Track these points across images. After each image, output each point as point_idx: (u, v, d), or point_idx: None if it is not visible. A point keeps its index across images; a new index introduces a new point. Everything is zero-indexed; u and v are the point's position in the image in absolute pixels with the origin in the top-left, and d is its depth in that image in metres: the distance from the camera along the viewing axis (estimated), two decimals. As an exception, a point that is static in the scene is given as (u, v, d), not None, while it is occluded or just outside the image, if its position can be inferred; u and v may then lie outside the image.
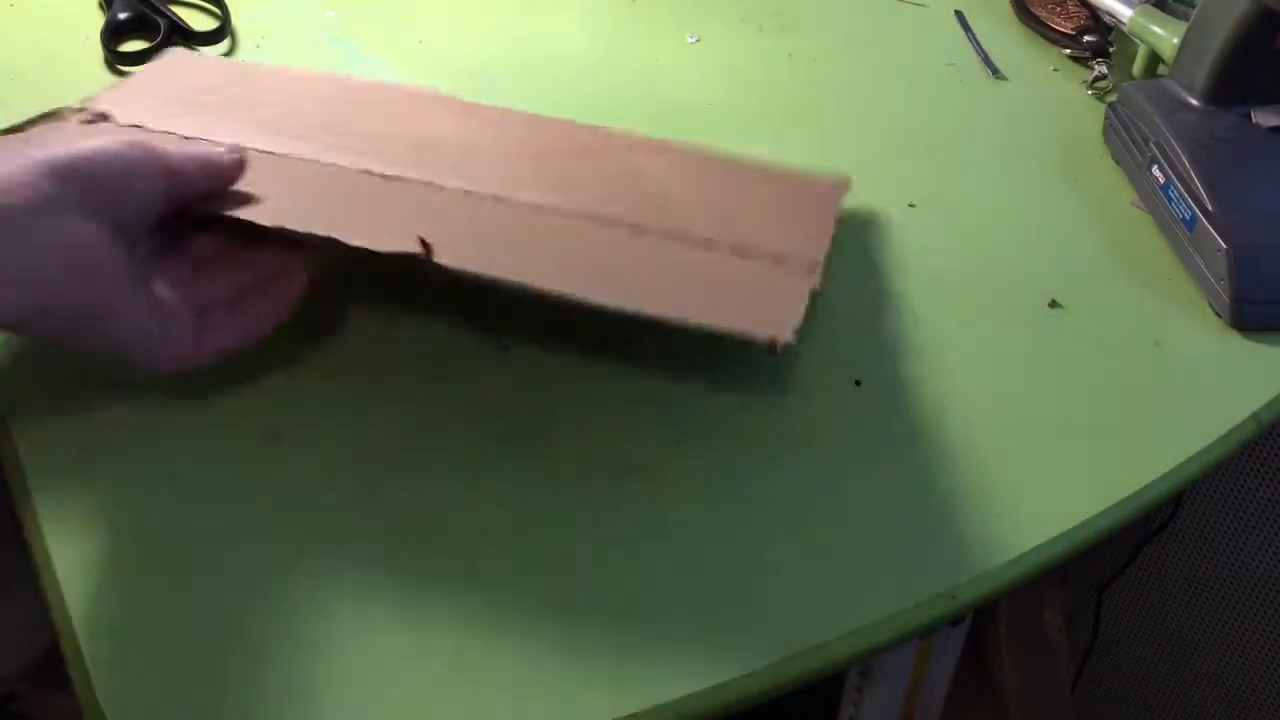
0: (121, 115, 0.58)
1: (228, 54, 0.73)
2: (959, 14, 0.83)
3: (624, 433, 0.51)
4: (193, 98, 0.60)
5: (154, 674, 0.41)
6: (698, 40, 0.78)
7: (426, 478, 0.48)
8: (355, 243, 0.48)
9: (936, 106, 0.74)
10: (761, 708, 0.43)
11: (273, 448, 0.49)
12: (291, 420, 0.50)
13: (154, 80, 0.62)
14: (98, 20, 0.74)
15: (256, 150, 0.55)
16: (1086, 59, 0.78)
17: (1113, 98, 0.74)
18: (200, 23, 0.74)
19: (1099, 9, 0.79)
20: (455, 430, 0.50)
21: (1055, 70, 0.78)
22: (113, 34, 0.72)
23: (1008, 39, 0.81)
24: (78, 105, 0.58)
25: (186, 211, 0.49)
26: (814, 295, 0.51)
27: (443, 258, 0.48)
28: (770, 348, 0.47)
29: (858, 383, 0.54)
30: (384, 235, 0.49)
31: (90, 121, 0.57)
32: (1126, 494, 0.50)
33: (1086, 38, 0.78)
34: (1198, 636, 1.05)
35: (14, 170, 0.41)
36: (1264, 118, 0.64)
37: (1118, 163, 0.69)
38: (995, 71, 0.77)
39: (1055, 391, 0.55)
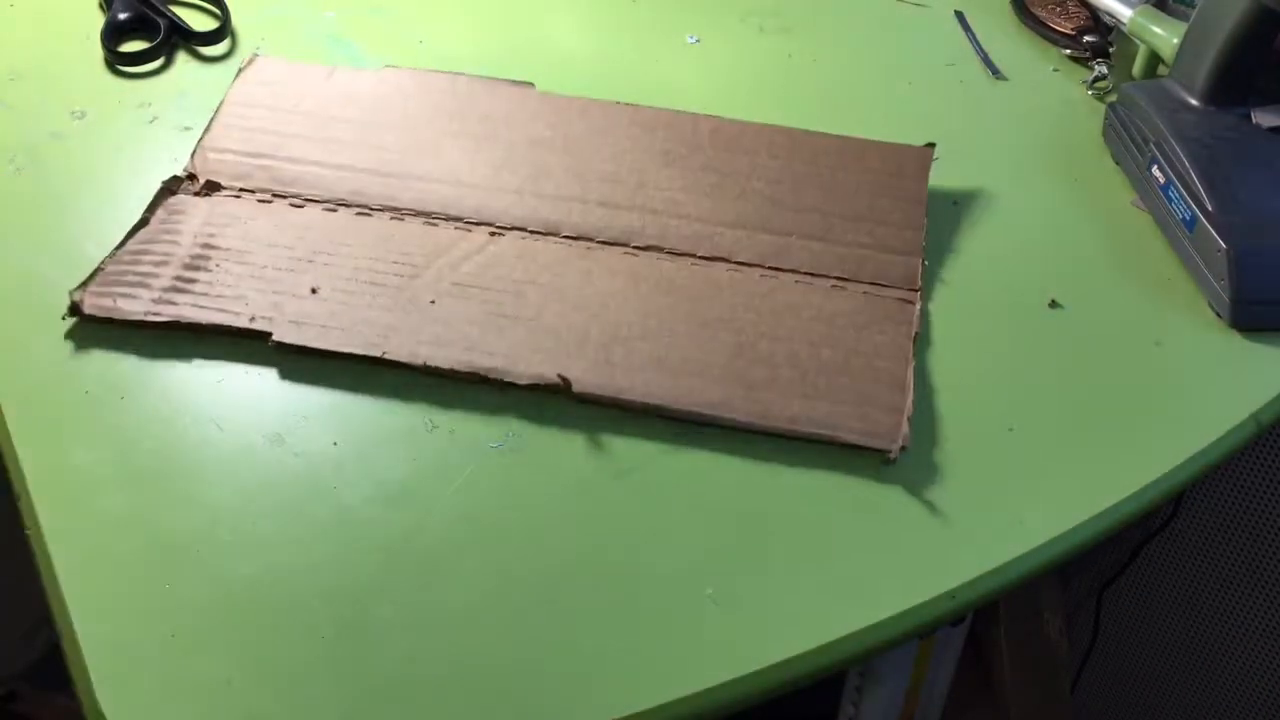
0: (226, 174, 0.61)
1: (228, 54, 0.73)
2: (959, 14, 0.83)
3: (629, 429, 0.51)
4: (287, 127, 0.64)
5: (154, 674, 0.41)
6: (698, 40, 0.78)
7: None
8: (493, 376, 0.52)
9: (936, 107, 0.74)
10: (762, 708, 0.43)
11: (277, 448, 0.49)
12: (291, 422, 0.50)
13: (244, 112, 0.65)
14: (98, 20, 0.74)
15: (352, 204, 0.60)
16: (1086, 59, 0.78)
17: (1113, 98, 0.74)
18: (200, 23, 0.74)
19: (1099, 9, 0.79)
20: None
21: (1055, 70, 0.78)
22: (113, 34, 0.72)
23: (1008, 39, 0.81)
24: (184, 173, 0.61)
25: None
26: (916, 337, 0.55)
27: (577, 385, 0.51)
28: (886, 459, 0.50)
29: (858, 383, 0.54)
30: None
31: (202, 194, 0.60)
32: (1126, 494, 0.50)
33: (1086, 38, 0.78)
34: (1198, 636, 1.05)
35: None
36: (1264, 118, 0.64)
37: (1118, 163, 0.69)
38: (995, 72, 0.77)
39: (1055, 391, 0.55)
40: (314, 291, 0.55)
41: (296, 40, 0.75)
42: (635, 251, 0.58)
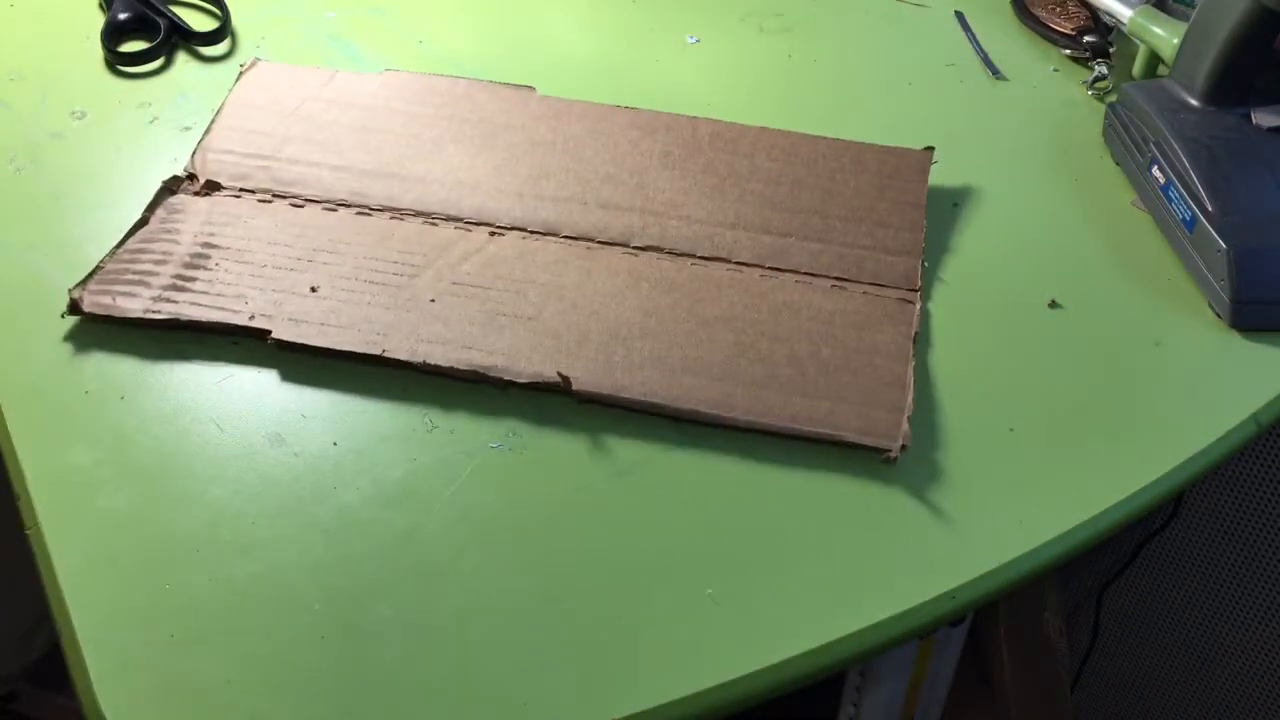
0: (226, 174, 0.61)
1: (228, 54, 0.73)
2: (959, 14, 0.83)
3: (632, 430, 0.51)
4: (288, 129, 0.64)
5: (154, 674, 0.41)
6: (698, 40, 0.78)
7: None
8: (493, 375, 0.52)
9: (936, 107, 0.74)
10: (762, 708, 0.43)
11: (277, 448, 0.49)
12: (291, 422, 0.50)
13: (245, 114, 0.65)
14: (98, 20, 0.74)
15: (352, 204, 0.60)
16: (1086, 59, 0.78)
17: (1113, 98, 0.74)
18: (200, 23, 0.74)
19: (1099, 9, 0.79)
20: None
21: (1055, 70, 0.78)
22: (113, 34, 0.72)
23: (1008, 39, 0.81)
24: (184, 173, 0.61)
25: None
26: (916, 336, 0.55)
27: (577, 384, 0.51)
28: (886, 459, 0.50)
29: (858, 383, 0.54)
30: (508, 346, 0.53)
31: (202, 194, 0.60)
32: (1126, 494, 0.50)
33: (1086, 38, 0.78)
34: (1198, 636, 1.05)
35: None
36: (1264, 118, 0.64)
37: (1118, 163, 0.69)
38: (995, 72, 0.77)
39: (1055, 391, 0.55)
40: (314, 290, 0.55)
41: (296, 40, 0.75)
42: (635, 251, 0.58)
